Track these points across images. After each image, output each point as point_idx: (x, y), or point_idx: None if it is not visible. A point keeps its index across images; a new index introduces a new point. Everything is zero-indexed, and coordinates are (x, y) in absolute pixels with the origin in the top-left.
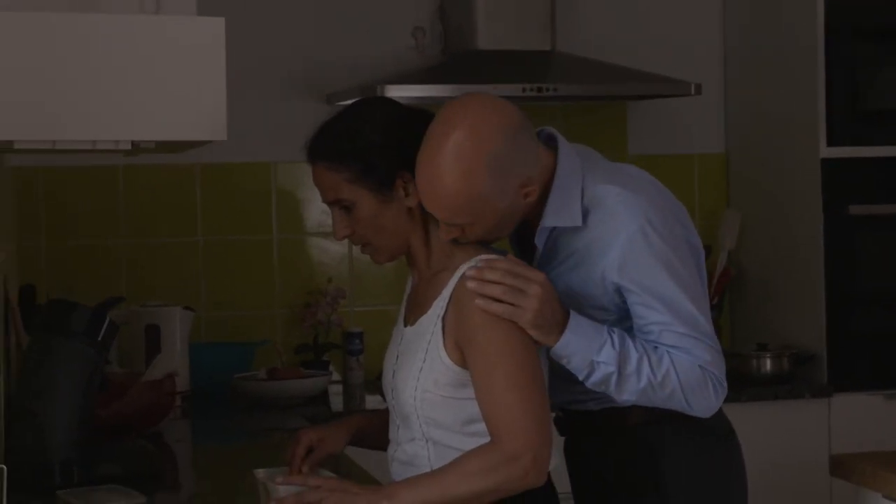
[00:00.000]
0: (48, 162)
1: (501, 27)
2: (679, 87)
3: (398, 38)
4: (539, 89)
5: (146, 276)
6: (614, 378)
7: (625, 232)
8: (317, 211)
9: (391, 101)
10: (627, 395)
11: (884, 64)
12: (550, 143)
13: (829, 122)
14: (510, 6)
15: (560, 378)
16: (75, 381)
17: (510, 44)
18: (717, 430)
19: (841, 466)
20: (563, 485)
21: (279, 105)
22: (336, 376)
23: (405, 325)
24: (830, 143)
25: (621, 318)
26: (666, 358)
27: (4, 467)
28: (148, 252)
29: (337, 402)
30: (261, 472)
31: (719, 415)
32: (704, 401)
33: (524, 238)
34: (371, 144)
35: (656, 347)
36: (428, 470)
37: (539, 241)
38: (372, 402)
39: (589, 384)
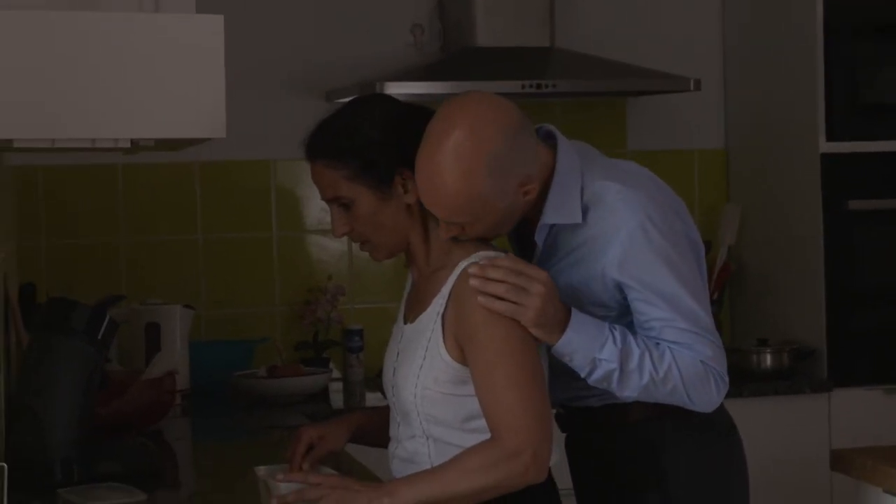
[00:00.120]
0: (48, 160)
1: (500, 24)
2: (678, 82)
3: (397, 36)
4: (538, 86)
5: (146, 275)
6: (616, 375)
7: (625, 228)
8: (316, 208)
9: (390, 98)
10: (629, 391)
11: (883, 58)
12: (549, 141)
13: (829, 117)
14: (509, 3)
15: (561, 375)
16: (75, 379)
17: (509, 40)
18: (718, 426)
19: (841, 461)
20: (563, 481)
21: (278, 102)
22: (336, 374)
23: (405, 323)
24: (830, 138)
25: (621, 315)
26: (668, 354)
27: (5, 465)
28: (148, 250)
29: (337, 400)
30: (261, 470)
31: (721, 410)
32: (706, 396)
33: (524, 235)
34: (370, 141)
35: (658, 343)
36: (428, 467)
37: (539, 238)
38: (372, 399)
39: (591, 381)
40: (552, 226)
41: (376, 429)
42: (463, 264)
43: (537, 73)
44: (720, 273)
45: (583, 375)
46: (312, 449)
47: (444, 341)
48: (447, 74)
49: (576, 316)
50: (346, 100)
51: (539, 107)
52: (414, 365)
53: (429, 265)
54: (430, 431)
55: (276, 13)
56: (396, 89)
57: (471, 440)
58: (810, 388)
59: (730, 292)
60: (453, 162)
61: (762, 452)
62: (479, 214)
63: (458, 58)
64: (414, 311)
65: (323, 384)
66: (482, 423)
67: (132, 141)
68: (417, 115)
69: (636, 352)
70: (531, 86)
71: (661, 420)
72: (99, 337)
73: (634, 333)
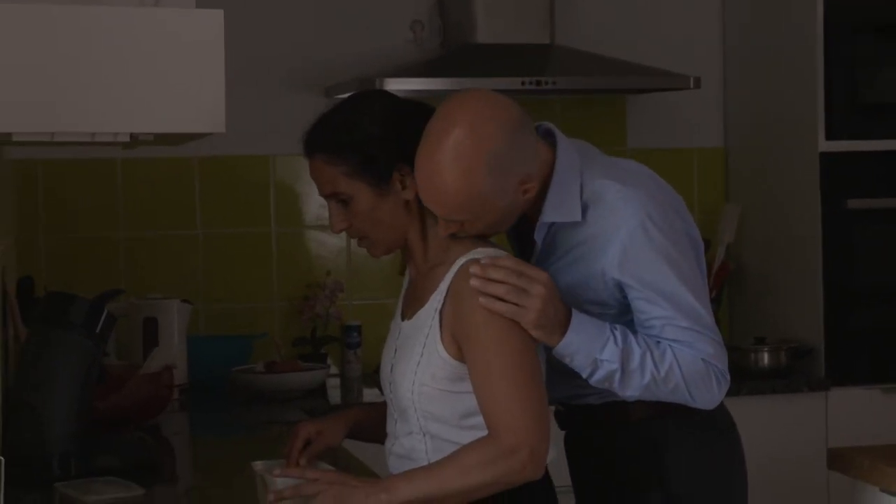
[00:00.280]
0: (47, 154)
1: (500, 20)
2: (678, 80)
3: (397, 32)
4: (538, 83)
5: (145, 269)
6: (618, 375)
7: (625, 227)
8: (315, 204)
9: (389, 94)
10: (631, 391)
11: (883, 57)
12: (548, 139)
13: (828, 115)
14: (509, 0)
15: (560, 373)
16: (73, 373)
17: (509, 37)
18: (719, 424)
19: (838, 460)
20: (561, 478)
21: (278, 98)
22: (334, 369)
23: (403, 319)
24: (829, 136)
25: (621, 313)
26: (669, 352)
27: (2, 459)
28: (146, 245)
29: (335, 395)
30: (259, 465)
31: (721, 408)
32: (708, 393)
33: (523, 233)
34: (370, 137)
35: (659, 342)
36: (425, 464)
37: (538, 236)
38: (370, 395)
39: (593, 382)
40: (551, 224)
41: (374, 425)
42: (461, 261)
43: (537, 70)
44: (719, 271)
45: (584, 376)
46: (310, 444)
47: (442, 338)
48: (447, 71)
49: (576, 317)
50: (346, 96)
51: (539, 104)
52: (411, 362)
53: (426, 262)
54: (428, 428)
55: (276, 9)
56: (396, 85)
57: (468, 437)
58: (808, 386)
59: (728, 291)
60: (453, 160)
61: (759, 451)
62: (478, 212)
63: (457, 54)
64: (412, 307)
65: (321, 380)
66: (479, 419)
67: (131, 135)
68: (417, 112)
69: (637, 351)
70: (531, 83)
71: (662, 418)
72: (97, 331)
73: (635, 332)
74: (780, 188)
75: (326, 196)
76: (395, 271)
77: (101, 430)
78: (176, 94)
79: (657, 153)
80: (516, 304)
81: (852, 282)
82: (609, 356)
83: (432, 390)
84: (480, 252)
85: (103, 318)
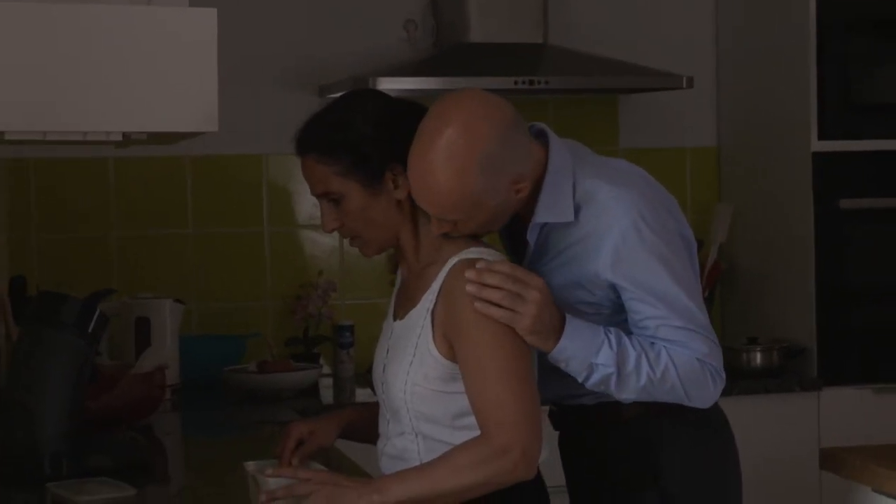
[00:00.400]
0: (39, 153)
1: (493, 20)
2: (671, 80)
3: (390, 31)
4: (531, 82)
5: (137, 268)
6: (614, 378)
7: (617, 228)
8: (308, 204)
9: (381, 94)
10: (628, 393)
11: (876, 58)
12: (541, 139)
13: (821, 115)
14: (502, 0)
15: (554, 373)
16: (65, 373)
17: (502, 37)
18: (713, 422)
19: (831, 460)
20: (553, 478)
21: (271, 97)
22: (326, 369)
23: (395, 319)
24: (822, 136)
25: (614, 313)
26: (664, 353)
27: None
28: (139, 244)
29: (327, 395)
30: (251, 465)
31: (714, 406)
32: (704, 392)
33: (515, 233)
34: (362, 136)
35: (653, 343)
36: (417, 464)
37: (531, 237)
38: (362, 395)
39: (589, 386)
40: (544, 224)
41: (366, 425)
42: (453, 260)
43: (530, 69)
44: (711, 271)
45: (580, 380)
46: (302, 444)
47: (434, 338)
48: (440, 70)
49: (570, 322)
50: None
51: (532, 103)
52: (404, 362)
53: (419, 261)
54: (420, 428)
55: (270, 7)
56: (389, 85)
57: (460, 437)
58: (800, 386)
59: (720, 290)
60: (446, 160)
61: (752, 451)
62: (471, 212)
63: (450, 54)
64: (404, 307)
65: (313, 380)
66: (472, 420)
67: (124, 134)
68: (409, 111)
69: (632, 354)
70: (524, 82)
71: (656, 417)
72: (89, 330)
73: (629, 334)
74: (773, 188)
75: (318, 195)
76: (387, 271)
77: (93, 430)
78: (169, 93)
79: (650, 153)
80: (512, 310)
81: (844, 282)
82: (604, 360)
83: (424, 390)
84: (473, 251)
85: (95, 317)
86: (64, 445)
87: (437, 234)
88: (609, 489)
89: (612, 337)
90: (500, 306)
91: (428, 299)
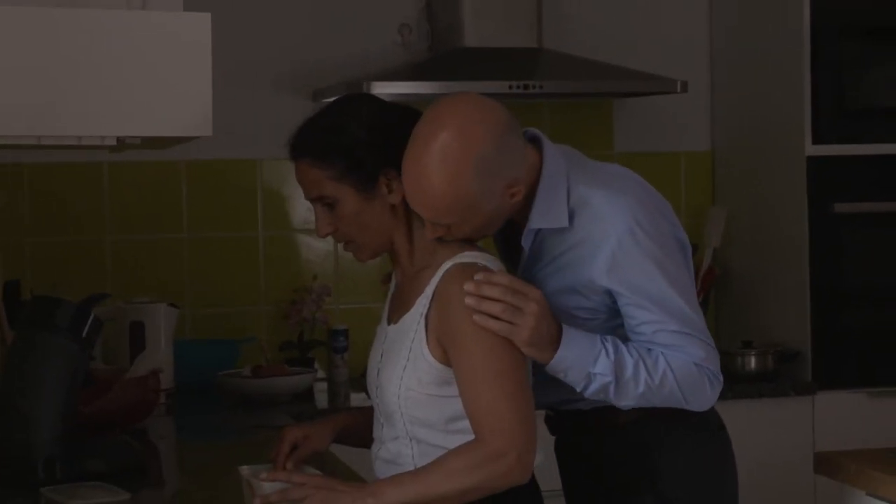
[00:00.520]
0: (33, 157)
1: (488, 24)
2: (665, 84)
3: (385, 36)
4: (525, 86)
5: (131, 273)
6: (612, 387)
7: (614, 234)
8: (302, 208)
9: (375, 98)
10: (627, 401)
11: (870, 62)
12: (535, 144)
13: (815, 119)
14: (497, 3)
15: (549, 378)
16: (59, 377)
17: (497, 41)
18: (709, 425)
19: (825, 464)
20: (548, 483)
21: (265, 101)
22: (321, 374)
23: (389, 324)
24: (816, 140)
25: (610, 318)
26: (661, 359)
27: None
28: (133, 248)
29: (322, 400)
30: (245, 469)
31: (711, 409)
32: (701, 396)
33: (510, 239)
34: (356, 141)
35: (650, 349)
36: (412, 468)
37: (525, 242)
38: (357, 399)
39: (587, 395)
40: (538, 230)
41: (361, 429)
42: (447, 265)
43: (525, 73)
44: (705, 275)
45: (578, 390)
46: (297, 449)
47: (428, 342)
48: (435, 74)
49: (567, 333)
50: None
51: (526, 108)
52: (398, 366)
53: (413, 265)
54: (414, 433)
55: (264, 12)
56: (384, 89)
57: (454, 441)
58: (794, 390)
59: (715, 295)
60: (440, 164)
61: (746, 455)
62: (465, 216)
63: (445, 58)
64: (398, 311)
65: (308, 384)
66: (466, 424)
67: (118, 139)
68: (404, 116)
69: (630, 361)
70: (518, 87)
71: (653, 421)
72: (83, 335)
73: (626, 342)
74: (768, 192)
75: (312, 200)
76: (382, 275)
77: (87, 434)
78: (163, 98)
79: (644, 157)
80: (510, 322)
81: (839, 286)
82: (602, 369)
83: (418, 395)
84: (467, 256)
85: (90, 321)
86: (58, 449)
87: (431, 239)
88: (606, 494)
89: (609, 346)
90: (498, 318)
91: (422, 304)
